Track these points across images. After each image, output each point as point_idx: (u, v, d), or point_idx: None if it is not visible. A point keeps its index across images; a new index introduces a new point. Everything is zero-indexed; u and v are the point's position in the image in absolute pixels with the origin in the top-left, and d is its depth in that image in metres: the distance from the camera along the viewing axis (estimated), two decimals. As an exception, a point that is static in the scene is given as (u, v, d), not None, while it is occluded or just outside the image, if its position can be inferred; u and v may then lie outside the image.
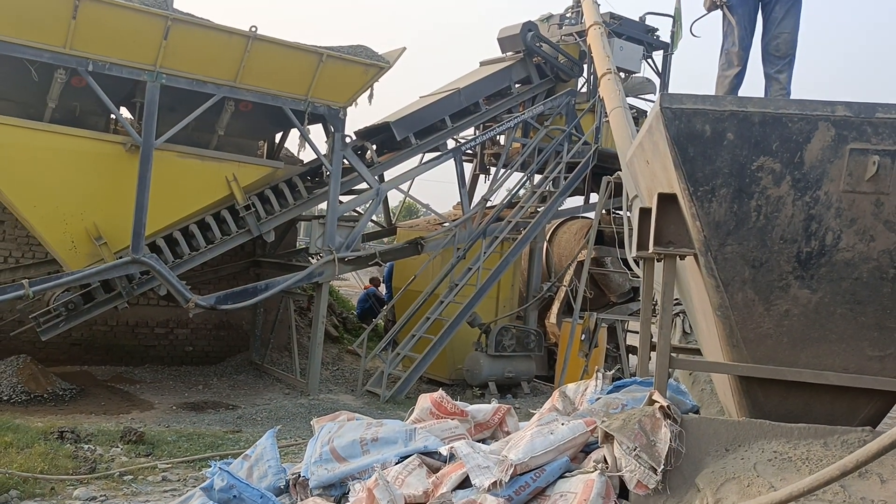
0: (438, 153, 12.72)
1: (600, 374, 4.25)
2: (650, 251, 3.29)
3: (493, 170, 13.99)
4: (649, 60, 15.17)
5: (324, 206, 11.35)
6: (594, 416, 3.58)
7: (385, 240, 15.91)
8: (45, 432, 7.20)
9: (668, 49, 15.30)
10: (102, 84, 9.15)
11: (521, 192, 14.41)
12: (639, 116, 12.76)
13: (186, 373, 12.01)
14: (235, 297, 10.39)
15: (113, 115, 9.84)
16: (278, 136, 12.42)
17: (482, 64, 14.56)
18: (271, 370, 12.24)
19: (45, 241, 9.73)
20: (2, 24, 8.45)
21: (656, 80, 15.23)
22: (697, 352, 4.24)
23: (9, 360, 9.79)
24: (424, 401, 4.44)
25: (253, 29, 9.67)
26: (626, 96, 13.29)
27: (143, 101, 9.56)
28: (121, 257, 9.54)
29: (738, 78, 4.70)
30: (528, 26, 13.62)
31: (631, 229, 4.42)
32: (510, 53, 14.12)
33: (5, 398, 9.22)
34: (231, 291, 10.47)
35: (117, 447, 7.05)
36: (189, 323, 12.31)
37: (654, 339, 3.42)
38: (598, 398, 4.00)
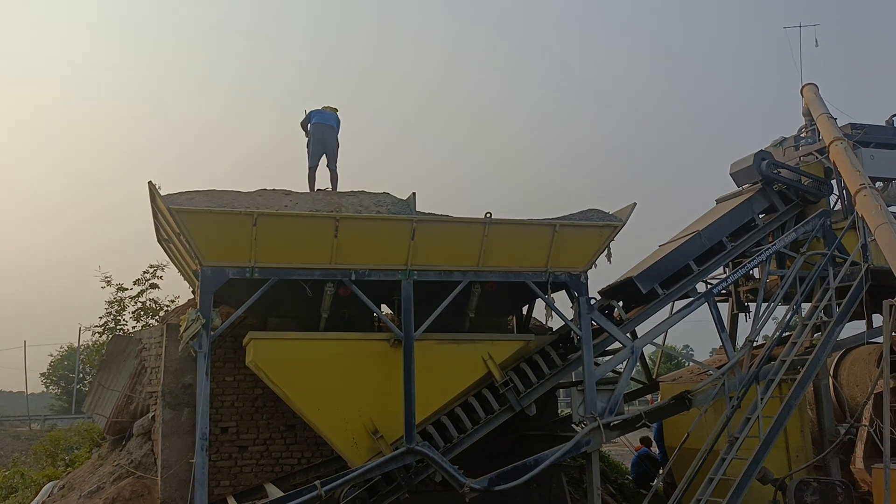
0: (689, 299, 12.24)
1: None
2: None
3: (751, 307, 13.12)
4: (909, 161, 13.84)
5: (580, 370, 11.24)
6: None
7: (649, 396, 15.26)
8: None
9: (929, 145, 13.91)
10: (364, 289, 10.09)
11: (792, 324, 13.29)
12: (911, 225, 11.48)
13: (470, 558, 11.92)
14: (507, 477, 10.35)
15: (376, 315, 10.72)
16: (525, 309, 12.72)
17: (718, 201, 14.17)
18: (553, 549, 11.82)
19: (329, 441, 10.51)
20: (281, 254, 9.75)
21: (923, 181, 13.79)
22: None
23: (309, 559, 10.38)
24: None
25: (488, 215, 10.27)
26: (890, 205, 12.19)
27: (399, 299, 10.35)
28: (396, 448, 10.01)
29: None
30: (762, 155, 13.18)
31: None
32: (746, 186, 13.63)
33: None
34: (503, 471, 10.46)
35: None
36: (467, 506, 12.37)
37: None
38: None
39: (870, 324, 13.60)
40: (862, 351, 13.20)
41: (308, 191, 11.69)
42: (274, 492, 10.27)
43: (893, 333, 10.99)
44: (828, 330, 11.88)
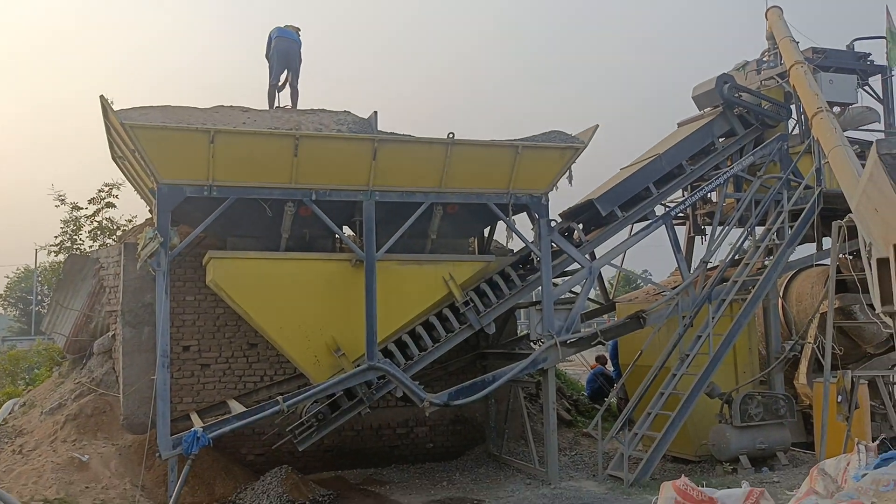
0: (648, 221, 12.45)
1: (863, 447, 3.82)
2: (896, 307, 2.98)
3: (708, 230, 13.39)
4: (867, 88, 14.02)
5: (539, 291, 11.45)
6: (861, 496, 3.21)
7: (605, 316, 15.64)
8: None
9: (886, 72, 14.07)
10: (325, 209, 10.06)
11: (745, 247, 13.63)
12: (863, 150, 11.73)
13: (430, 470, 12.35)
14: (466, 392, 10.65)
15: (337, 236, 10.73)
16: (487, 231, 12.82)
17: (680, 125, 14.25)
18: (510, 461, 12.26)
19: (292, 358, 10.64)
20: (239, 172, 9.63)
21: (879, 108, 14.00)
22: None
23: (273, 472, 10.65)
24: (668, 489, 4.24)
25: (450, 135, 10.21)
26: (846, 130, 12.40)
27: (361, 219, 10.35)
28: (358, 365, 10.18)
29: None
30: (724, 79, 13.20)
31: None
32: (708, 109, 13.71)
33: (273, 508, 9.99)
34: (461, 387, 10.74)
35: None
36: (427, 421, 12.73)
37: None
38: (864, 474, 3.59)
39: (820, 246, 13.99)
40: (811, 272, 13.63)
41: (267, 108, 11.45)
42: (237, 407, 10.44)
43: (841, 255, 11.34)
44: (779, 252, 12.22)
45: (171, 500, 8.80)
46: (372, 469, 12.35)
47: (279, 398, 9.76)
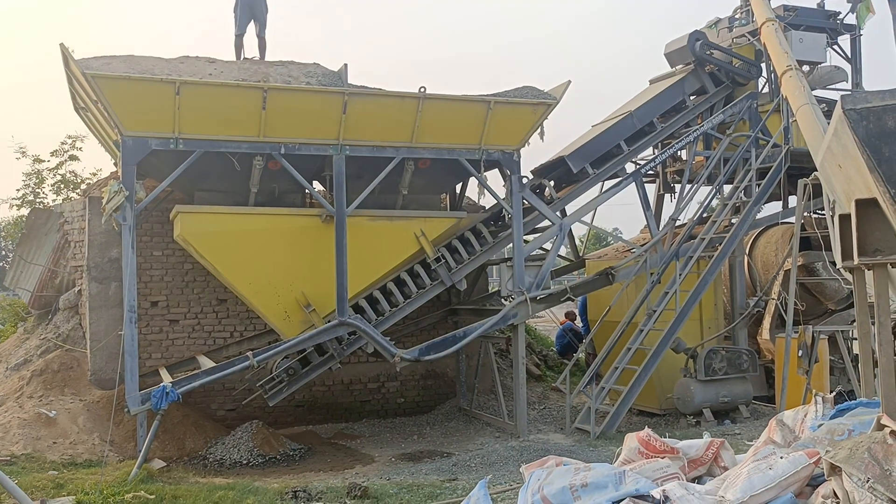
0: (618, 179, 12.50)
1: (820, 398, 3.93)
2: (856, 262, 3.03)
3: (677, 188, 13.49)
4: (835, 47, 14.10)
5: (510, 248, 11.50)
6: (817, 445, 3.31)
7: (575, 273, 15.77)
8: (281, 493, 7.78)
9: (854, 31, 14.12)
10: (294, 164, 9.94)
11: (713, 204, 13.76)
12: (830, 110, 11.77)
13: (401, 424, 12.49)
14: (437, 347, 10.72)
15: (307, 191, 10.63)
16: (458, 187, 12.79)
17: (652, 82, 14.23)
18: (480, 415, 12.44)
19: (262, 314, 10.61)
20: (206, 125, 9.46)
21: (847, 67, 14.09)
22: (932, 363, 3.80)
23: (244, 427, 10.71)
24: (632, 440, 4.33)
25: (422, 90, 10.10)
26: (814, 89, 12.46)
27: (331, 174, 10.25)
28: (329, 321, 10.18)
29: None
30: (696, 35, 13.16)
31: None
32: (680, 66, 13.70)
33: (244, 462, 10.06)
34: (432, 342, 10.81)
35: (344, 503, 7.45)
36: (398, 376, 12.83)
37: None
38: (821, 424, 3.70)
39: (786, 204, 14.18)
40: (776, 230, 13.83)
41: (234, 59, 11.21)
42: (206, 363, 10.41)
43: (806, 213, 11.50)
44: (746, 210, 12.36)
45: (141, 454, 8.81)
46: (343, 423, 12.46)
47: (249, 353, 9.74)
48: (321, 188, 11.48)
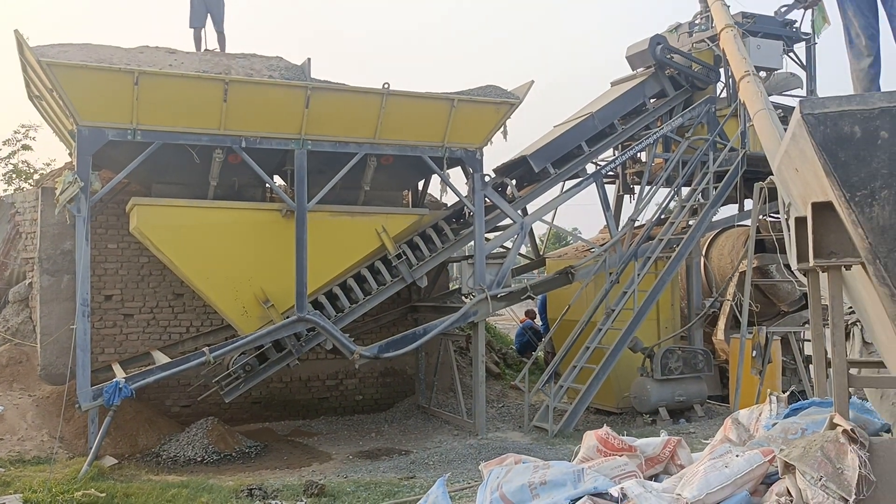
0: (579, 179, 12.60)
1: (775, 398, 4.00)
2: (811, 264, 3.09)
3: (637, 189, 13.65)
4: (791, 55, 14.40)
5: (472, 245, 11.52)
6: (772, 443, 3.38)
7: (536, 272, 15.86)
8: (236, 491, 7.68)
9: (810, 40, 14.45)
10: (255, 157, 9.82)
11: (671, 206, 13.95)
12: (786, 115, 12.06)
13: (359, 422, 12.43)
14: (396, 345, 10.69)
15: (268, 185, 10.51)
16: (421, 184, 12.77)
17: (613, 84, 14.37)
18: (438, 412, 12.44)
19: (219, 309, 10.46)
20: (165, 116, 9.29)
21: (802, 74, 14.40)
22: (882, 364, 3.90)
23: (199, 423, 10.54)
24: (590, 438, 4.36)
25: (386, 86, 10.05)
26: (770, 95, 12.70)
27: (293, 169, 10.15)
28: (288, 317, 10.09)
29: (874, 68, 4.35)
30: (657, 39, 13.33)
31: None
32: (641, 69, 13.85)
33: (199, 459, 9.90)
34: (392, 339, 10.78)
35: (301, 501, 7.38)
36: (356, 373, 12.77)
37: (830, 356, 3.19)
38: (775, 423, 3.77)
39: (742, 207, 14.43)
40: (732, 232, 14.08)
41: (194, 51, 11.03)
42: (161, 358, 10.24)
43: (761, 216, 11.74)
44: (703, 212, 12.57)
45: (92, 451, 8.62)
46: (300, 420, 12.35)
47: (205, 349, 9.60)
48: (282, 183, 11.35)
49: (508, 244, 12.46)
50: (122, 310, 11.46)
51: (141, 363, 10.96)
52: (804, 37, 14.49)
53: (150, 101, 9.05)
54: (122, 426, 10.22)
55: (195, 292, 10.92)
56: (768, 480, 3.27)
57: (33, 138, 16.94)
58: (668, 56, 13.41)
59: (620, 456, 4.03)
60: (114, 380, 9.00)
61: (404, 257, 10.99)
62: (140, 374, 9.47)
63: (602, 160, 13.36)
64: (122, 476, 8.61)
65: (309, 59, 10.05)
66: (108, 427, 8.91)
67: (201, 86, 9.25)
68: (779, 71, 14.14)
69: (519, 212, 12.03)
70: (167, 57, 9.64)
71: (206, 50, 11.22)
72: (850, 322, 4.72)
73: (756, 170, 12.61)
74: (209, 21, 11.46)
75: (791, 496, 2.98)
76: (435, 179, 12.02)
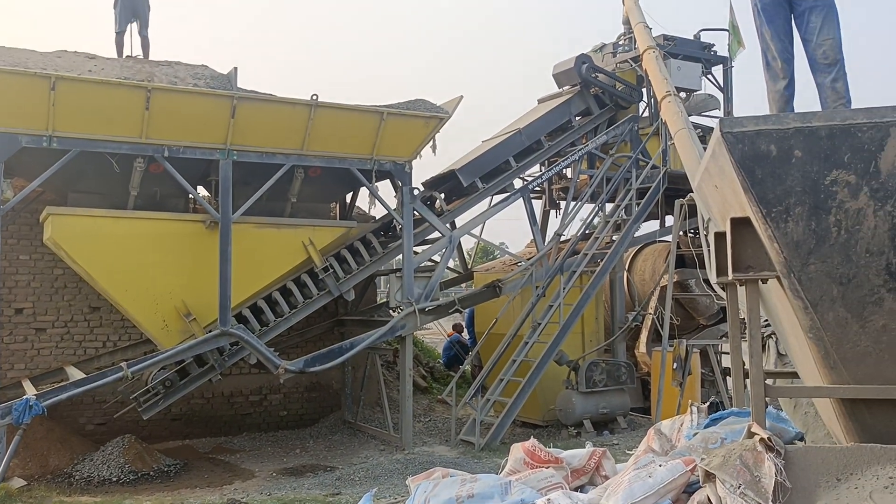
0: (506, 194, 12.75)
1: (695, 408, 4.11)
2: (730, 277, 3.19)
3: (562, 204, 13.90)
4: (709, 76, 14.96)
5: (400, 258, 11.50)
6: (693, 453, 3.46)
7: (463, 285, 15.94)
8: (154, 510, 7.41)
9: (727, 63, 15.05)
10: (178, 167, 9.58)
11: (596, 222, 14.24)
12: (705, 134, 12.48)
13: (283, 437, 12.20)
14: (322, 359, 10.55)
15: (191, 196, 10.26)
16: (349, 197, 12.68)
17: (540, 101, 14.62)
18: (365, 427, 12.31)
19: (138, 323, 10.13)
20: (83, 123, 8.98)
21: (719, 96, 14.96)
22: (795, 375, 4.05)
23: (115, 442, 10.14)
24: (517, 450, 4.37)
25: (314, 97, 9.97)
26: (690, 115, 13.13)
27: (217, 179, 9.94)
28: (210, 331, 9.83)
29: (789, 90, 4.56)
30: (582, 59, 13.63)
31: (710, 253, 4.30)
32: (566, 87, 14.14)
33: (115, 479, 9.50)
34: (318, 353, 10.63)
35: (223, 519, 7.19)
36: (281, 388, 12.54)
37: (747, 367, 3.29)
38: (696, 433, 3.87)
39: (663, 223, 14.87)
40: (654, 248, 14.47)
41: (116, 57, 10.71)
42: (75, 374, 9.83)
43: (681, 232, 12.10)
44: (626, 227, 12.88)
45: (-1, 472, 8.20)
46: (222, 437, 12.04)
47: (123, 364, 9.27)
48: (206, 194, 11.10)
49: (437, 258, 12.49)
50: (33, 324, 10.97)
51: (53, 379, 10.51)
52: (721, 59, 15.08)
53: (67, 108, 8.74)
54: (32, 445, 9.75)
55: (113, 305, 10.54)
56: (690, 489, 3.34)
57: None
58: (593, 75, 13.73)
59: (547, 468, 4.06)
60: (24, 397, 8.58)
61: (331, 270, 10.88)
62: (52, 390, 9.05)
63: (529, 175, 13.56)
64: (32, 498, 8.22)
65: (235, 69, 9.91)
66: (17, 447, 8.48)
67: (122, 93, 8.99)
68: (698, 92, 14.66)
69: (447, 225, 12.08)
70: (87, 62, 9.35)
71: (128, 56, 10.92)
72: (765, 334, 4.89)
73: (677, 187, 13.00)
74: (133, 26, 11.16)
75: (711, 504, 3.06)
76: (363, 192, 11.97)
